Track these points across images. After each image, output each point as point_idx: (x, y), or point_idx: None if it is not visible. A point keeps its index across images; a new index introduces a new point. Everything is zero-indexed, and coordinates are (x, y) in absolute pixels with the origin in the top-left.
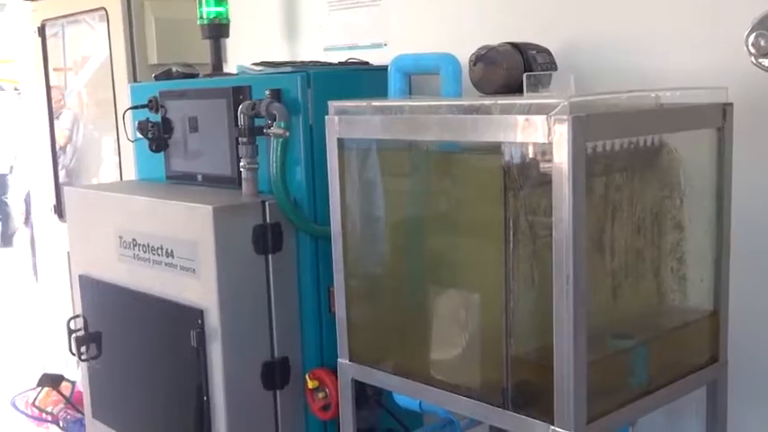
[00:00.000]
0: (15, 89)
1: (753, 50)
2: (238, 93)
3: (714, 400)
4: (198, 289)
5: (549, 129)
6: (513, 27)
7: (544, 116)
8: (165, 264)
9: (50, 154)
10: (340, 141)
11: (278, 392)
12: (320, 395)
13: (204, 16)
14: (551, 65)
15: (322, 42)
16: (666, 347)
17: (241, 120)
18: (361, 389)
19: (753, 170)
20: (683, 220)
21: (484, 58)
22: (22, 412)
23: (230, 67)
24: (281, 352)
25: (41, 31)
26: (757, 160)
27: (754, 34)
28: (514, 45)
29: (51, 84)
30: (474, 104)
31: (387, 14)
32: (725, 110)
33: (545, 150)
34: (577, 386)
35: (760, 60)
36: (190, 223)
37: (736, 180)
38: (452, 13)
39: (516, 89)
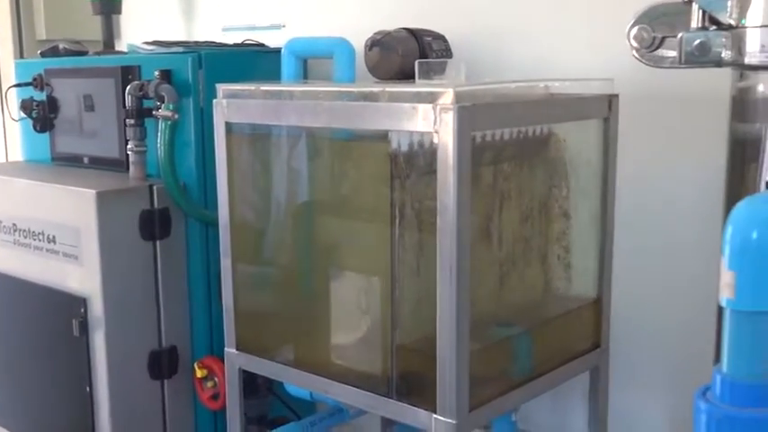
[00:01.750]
0: None
1: (635, 44)
2: (127, 72)
3: (596, 385)
4: (81, 276)
5: (435, 117)
6: (410, 13)
7: (430, 105)
8: (47, 250)
9: None
10: (228, 125)
11: (165, 382)
12: (209, 384)
13: None
14: (447, 52)
15: (220, 22)
16: (550, 334)
17: (128, 101)
18: (250, 377)
19: (637, 160)
20: (570, 209)
21: (379, 43)
22: None
23: (123, 44)
24: (168, 341)
25: None
26: (642, 150)
27: (636, 27)
28: (410, 31)
29: None
30: (363, 91)
31: None
32: (611, 101)
33: (432, 139)
34: (459, 375)
35: (642, 53)
36: (72, 208)
37: (620, 170)
38: None
39: (411, 75)
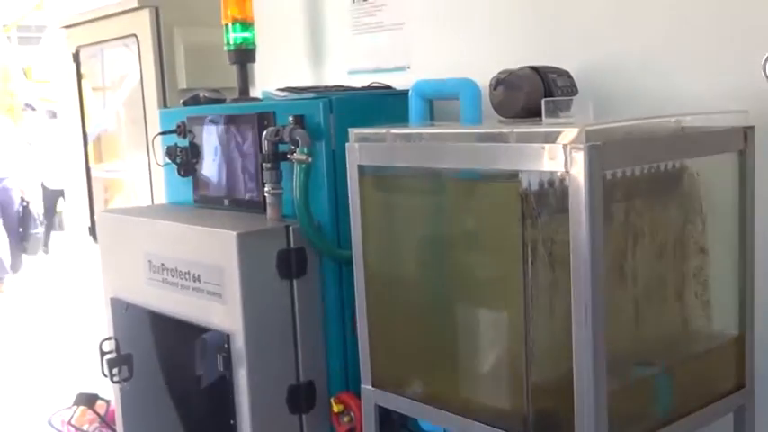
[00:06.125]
0: (49, 111)
1: None
2: (263, 118)
3: (741, 427)
4: (224, 313)
5: (566, 157)
6: (533, 51)
7: (560, 145)
8: (193, 288)
9: (85, 176)
10: (360, 168)
11: (303, 416)
12: (345, 419)
13: (231, 42)
14: (572, 88)
15: (346, 66)
16: (691, 374)
17: (265, 146)
18: (386, 412)
19: None
20: (706, 244)
21: (504, 82)
22: (59, 431)
23: (258, 90)
24: (306, 376)
25: (75, 56)
26: None
27: None
28: (534, 69)
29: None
30: (491, 132)
31: (409, 38)
32: (746, 133)
33: (563, 178)
34: (598, 416)
35: None
36: (215, 248)
37: (759, 203)
38: (473, 36)
39: (536, 112)
